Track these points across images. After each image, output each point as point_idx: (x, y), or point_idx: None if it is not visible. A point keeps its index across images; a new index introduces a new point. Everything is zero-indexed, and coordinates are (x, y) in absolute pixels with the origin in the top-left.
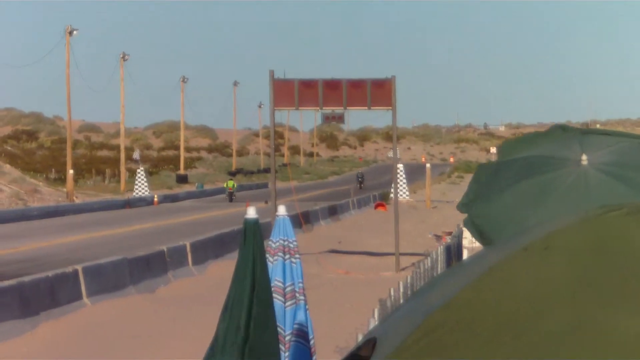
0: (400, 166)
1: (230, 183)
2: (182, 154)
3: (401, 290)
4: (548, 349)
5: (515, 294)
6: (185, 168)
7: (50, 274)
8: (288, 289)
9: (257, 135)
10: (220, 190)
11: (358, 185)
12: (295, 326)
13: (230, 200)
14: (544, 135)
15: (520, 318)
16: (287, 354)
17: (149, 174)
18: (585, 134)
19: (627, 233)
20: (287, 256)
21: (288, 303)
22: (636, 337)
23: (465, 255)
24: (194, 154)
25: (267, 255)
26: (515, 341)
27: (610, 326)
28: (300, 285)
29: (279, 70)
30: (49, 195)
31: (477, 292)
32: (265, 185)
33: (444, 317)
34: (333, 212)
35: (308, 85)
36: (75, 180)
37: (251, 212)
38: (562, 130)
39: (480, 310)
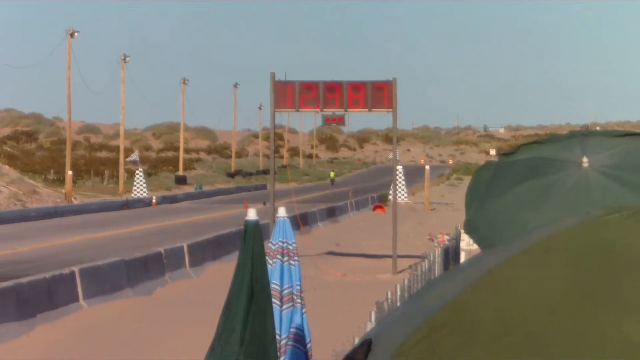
0: (399, 168)
1: (332, 174)
2: (182, 155)
3: (398, 293)
4: (549, 353)
5: (515, 296)
6: (184, 169)
7: (47, 275)
8: (285, 291)
9: (256, 136)
10: (219, 192)
11: None
12: (292, 330)
13: (332, 184)
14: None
15: (520, 321)
16: (282, 358)
17: (148, 175)
18: (586, 135)
19: (627, 235)
20: (286, 258)
21: (285, 306)
22: (637, 343)
23: (462, 257)
24: (193, 155)
25: (267, 257)
26: (516, 344)
27: (611, 330)
28: (298, 287)
29: (280, 72)
30: (47, 196)
31: (477, 294)
32: (263, 187)
33: (444, 319)
34: (331, 213)
35: (309, 87)
36: (74, 181)
37: (252, 214)
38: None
39: (480, 313)
